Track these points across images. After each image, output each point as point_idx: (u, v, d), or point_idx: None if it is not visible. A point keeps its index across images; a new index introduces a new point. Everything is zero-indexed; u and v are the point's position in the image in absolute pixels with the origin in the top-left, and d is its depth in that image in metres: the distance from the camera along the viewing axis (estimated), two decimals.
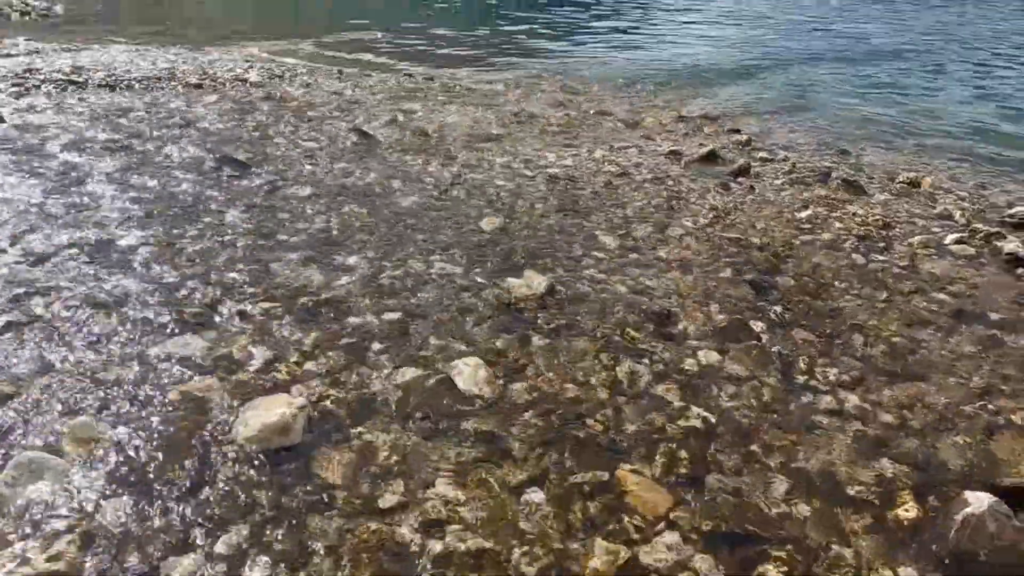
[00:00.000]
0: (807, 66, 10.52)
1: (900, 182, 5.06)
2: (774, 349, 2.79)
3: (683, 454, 2.18)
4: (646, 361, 2.66)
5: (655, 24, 14.77)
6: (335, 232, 3.59)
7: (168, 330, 2.64)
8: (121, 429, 2.10)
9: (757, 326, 2.96)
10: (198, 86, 6.64)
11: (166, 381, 2.34)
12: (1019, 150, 6.36)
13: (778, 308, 3.10)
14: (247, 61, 8.47)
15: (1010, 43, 13.30)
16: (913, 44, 12.79)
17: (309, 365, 2.49)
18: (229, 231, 3.50)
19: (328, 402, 2.29)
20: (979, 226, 4.10)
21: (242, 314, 2.76)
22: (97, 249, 3.20)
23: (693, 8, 17.81)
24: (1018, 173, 5.61)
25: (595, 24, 14.62)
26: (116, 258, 3.13)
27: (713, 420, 2.35)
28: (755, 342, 2.84)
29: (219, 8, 14.52)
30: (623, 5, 18.15)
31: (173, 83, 6.68)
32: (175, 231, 3.44)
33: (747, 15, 16.81)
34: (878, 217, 4.28)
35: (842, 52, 11.79)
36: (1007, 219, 4.35)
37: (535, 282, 3.17)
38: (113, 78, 6.60)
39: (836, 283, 3.40)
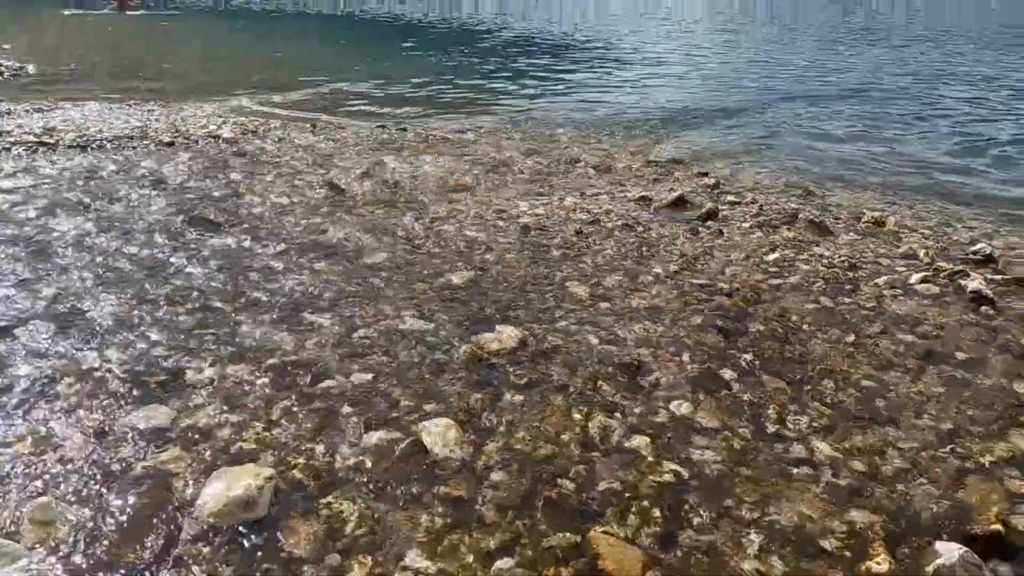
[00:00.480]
0: (773, 107, 10.79)
1: (865, 222, 5.17)
2: (745, 398, 2.80)
3: (656, 512, 2.17)
4: (618, 415, 2.66)
5: (623, 71, 15.11)
6: (306, 291, 3.58)
7: (133, 400, 2.60)
8: (83, 509, 2.05)
9: (728, 374, 2.97)
10: (170, 144, 6.66)
11: (130, 455, 2.29)
12: (979, 186, 6.54)
13: (748, 355, 3.12)
14: (220, 116, 8.53)
15: (968, 82, 13.74)
16: (875, 84, 13.18)
17: (277, 432, 2.46)
18: (197, 294, 3.47)
19: (296, 471, 2.26)
20: (943, 264, 4.18)
21: (209, 380, 2.73)
22: (61, 316, 3.16)
23: (659, 55, 18.27)
24: (979, 209, 5.75)
25: (565, 72, 14.93)
26: (80, 325, 3.10)
27: (686, 475, 2.34)
28: (726, 391, 2.85)
29: (193, 62, 14.65)
30: (591, 54, 18.58)
31: (145, 142, 6.70)
32: (142, 295, 3.41)
33: (712, 60, 17.26)
34: (844, 258, 4.35)
35: (807, 92, 12.11)
36: (970, 256, 4.45)
37: (506, 336, 3.18)
38: (84, 138, 6.61)
39: (804, 327, 3.44)
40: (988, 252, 4.45)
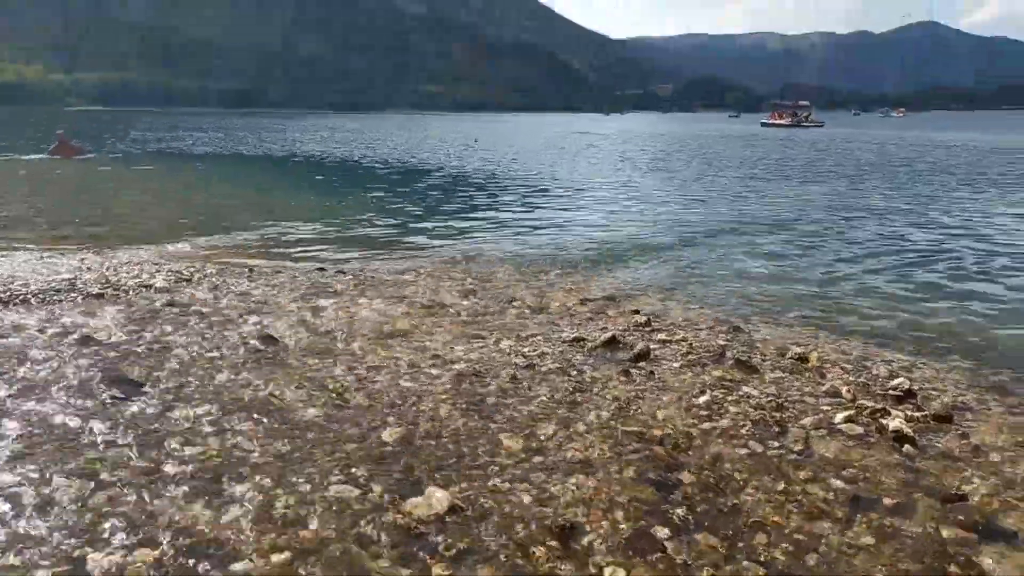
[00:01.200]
0: (701, 241, 11.32)
1: (790, 358, 5.33)
2: (679, 559, 2.75)
3: None
4: None
5: (558, 206, 15.75)
6: (228, 457, 3.44)
7: None
8: None
9: (661, 533, 2.92)
10: (100, 296, 6.54)
11: None
12: (895, 317, 6.87)
13: (681, 510, 3.09)
14: (155, 263, 8.47)
15: (879, 215, 14.76)
16: (794, 217, 14.03)
17: None
18: (111, 466, 3.30)
19: None
20: (865, 402, 4.30)
21: (112, 570, 2.54)
22: None
23: (592, 191, 19.17)
24: (897, 341, 6.01)
25: (503, 208, 15.47)
26: None
27: None
28: (660, 552, 2.79)
29: (133, 206, 14.67)
30: (528, 190, 19.37)
31: (73, 294, 6.56)
32: (49, 471, 3.22)
33: (642, 195, 18.18)
34: (771, 398, 4.45)
35: (731, 226, 12.79)
36: (890, 392, 4.61)
37: (436, 500, 3.09)
38: (8, 293, 6.44)
39: (736, 475, 3.45)
40: (907, 387, 4.62)
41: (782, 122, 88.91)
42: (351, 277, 8.15)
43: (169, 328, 5.60)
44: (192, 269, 8.16)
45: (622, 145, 45.53)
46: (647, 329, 6.20)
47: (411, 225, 12.86)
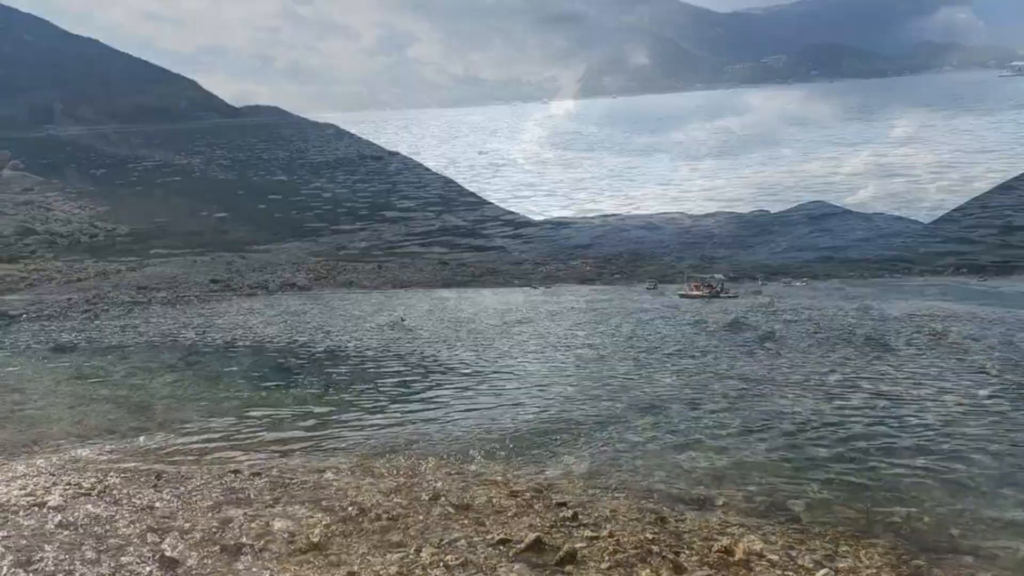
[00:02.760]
0: (625, 421, 11.38)
1: (717, 551, 5.28)
2: None
3: None
4: None
5: (484, 389, 15.74)
6: None
7: None
8: None
9: None
10: None
11: None
12: (813, 499, 6.96)
13: None
14: (52, 475, 7.89)
15: (799, 390, 15.31)
16: (715, 394, 14.40)
17: None
18: None
19: None
20: None
21: None
22: None
23: (516, 369, 19.34)
24: (817, 524, 6.06)
25: (428, 393, 15.34)
26: None
27: None
28: None
29: (35, 406, 13.85)
30: (452, 372, 19.39)
31: None
32: None
33: (566, 374, 18.44)
34: None
35: (654, 404, 12.98)
36: None
37: None
38: None
39: None
40: None
41: (700, 294, 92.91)
42: (266, 480, 7.79)
43: (58, 557, 5.13)
44: (94, 479, 7.64)
45: (547, 322, 46.66)
46: (573, 524, 6.08)
47: (334, 416, 12.54)
